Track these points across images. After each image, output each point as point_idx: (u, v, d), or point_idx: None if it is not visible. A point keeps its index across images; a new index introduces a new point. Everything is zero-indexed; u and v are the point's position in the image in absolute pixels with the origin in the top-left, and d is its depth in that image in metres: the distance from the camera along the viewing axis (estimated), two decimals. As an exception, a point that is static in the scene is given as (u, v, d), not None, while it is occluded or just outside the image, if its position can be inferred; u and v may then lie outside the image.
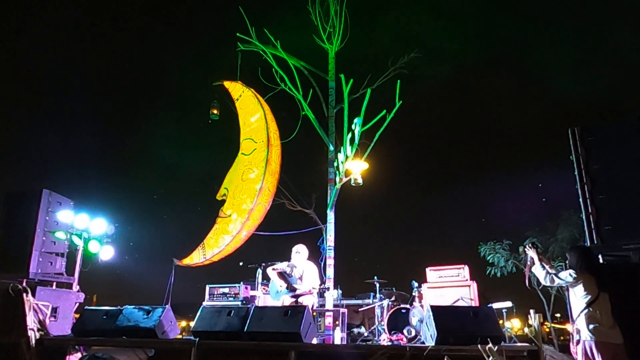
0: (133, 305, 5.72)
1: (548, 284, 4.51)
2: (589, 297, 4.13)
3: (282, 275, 6.97)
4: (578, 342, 4.16)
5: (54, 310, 6.24)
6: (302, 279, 6.97)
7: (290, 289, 6.84)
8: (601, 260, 4.71)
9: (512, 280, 14.77)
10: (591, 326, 4.04)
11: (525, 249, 4.73)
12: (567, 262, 4.50)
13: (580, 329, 4.14)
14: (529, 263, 4.69)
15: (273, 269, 7.12)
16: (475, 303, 7.18)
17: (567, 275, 4.28)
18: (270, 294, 7.21)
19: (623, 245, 4.69)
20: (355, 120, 8.65)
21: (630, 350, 4.02)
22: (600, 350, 3.96)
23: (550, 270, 4.47)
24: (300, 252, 7.18)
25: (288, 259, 7.28)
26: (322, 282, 7.72)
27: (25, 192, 6.86)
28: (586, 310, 4.11)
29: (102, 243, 7.22)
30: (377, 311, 7.61)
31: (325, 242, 8.73)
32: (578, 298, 4.21)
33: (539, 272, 4.51)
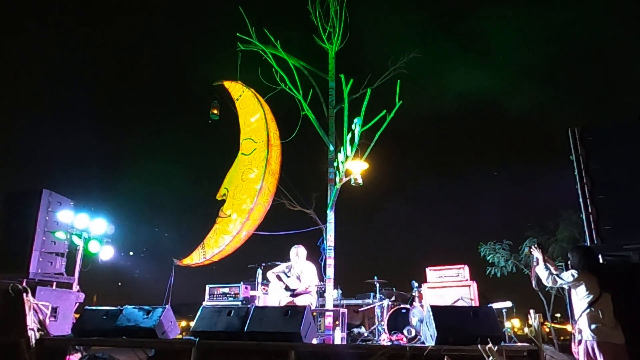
0: (133, 305, 5.72)
1: (550, 284, 4.50)
2: (591, 297, 4.12)
3: (280, 278, 7.06)
4: (580, 342, 4.15)
5: (54, 310, 6.24)
6: (300, 278, 7.01)
7: (287, 289, 6.91)
8: (601, 260, 4.71)
9: (512, 280, 14.78)
10: (593, 326, 4.04)
11: (532, 250, 4.72)
12: (569, 262, 4.49)
13: (582, 328, 4.13)
14: (534, 264, 4.67)
15: (272, 272, 7.20)
16: (475, 303, 7.18)
17: (569, 275, 4.27)
18: (270, 292, 7.26)
19: (623, 245, 4.69)
20: (355, 120, 8.64)
21: (631, 350, 4.02)
22: (602, 350, 3.96)
23: (553, 271, 4.46)
24: (299, 254, 7.25)
25: (288, 259, 7.31)
26: (322, 281, 7.74)
27: (25, 192, 6.85)
28: (588, 310, 4.10)
29: (102, 243, 7.22)
30: (377, 311, 7.61)
31: (325, 242, 8.73)
32: (580, 298, 4.21)
33: (542, 272, 4.50)
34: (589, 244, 4.86)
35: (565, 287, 4.44)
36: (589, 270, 4.26)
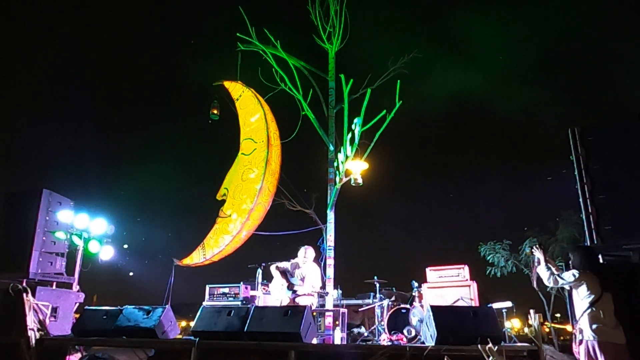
0: (133, 305, 5.72)
1: (552, 284, 4.47)
2: (592, 297, 4.10)
3: (285, 274, 7.01)
4: (581, 342, 4.14)
5: (54, 310, 6.24)
6: (304, 280, 7.01)
7: (290, 288, 6.88)
8: (601, 260, 4.70)
9: (512, 280, 14.79)
10: (594, 326, 4.02)
11: (533, 250, 4.70)
12: (570, 262, 4.47)
13: (583, 328, 4.12)
14: (536, 264, 4.65)
15: (277, 268, 7.15)
16: (475, 303, 7.17)
17: (570, 275, 4.26)
18: (272, 292, 7.23)
19: (623, 245, 4.69)
20: (355, 120, 8.65)
21: (632, 350, 4.01)
22: (603, 350, 3.94)
23: (554, 272, 4.44)
24: (307, 254, 7.22)
25: (288, 258, 7.30)
26: (323, 283, 7.73)
27: (25, 192, 6.86)
28: (589, 310, 4.09)
29: (102, 243, 7.22)
30: (377, 311, 7.61)
31: (325, 242, 8.74)
32: (581, 298, 4.19)
33: (543, 272, 4.48)
34: (589, 244, 4.85)
35: (567, 287, 4.43)
36: (590, 270, 4.25)
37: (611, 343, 3.96)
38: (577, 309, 4.24)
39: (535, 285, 4.84)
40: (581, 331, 4.14)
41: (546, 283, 4.51)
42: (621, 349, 3.96)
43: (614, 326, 4.02)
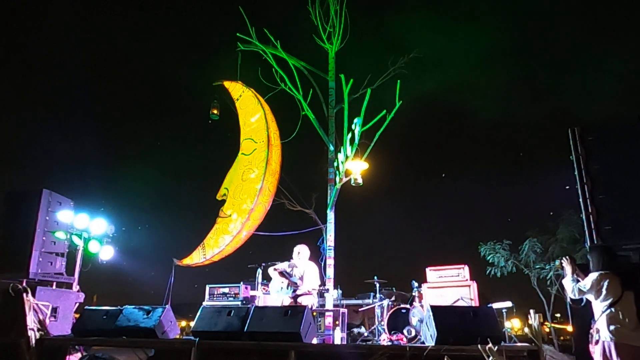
0: (133, 305, 5.72)
1: (576, 296, 4.35)
2: (611, 298, 4.03)
3: (283, 274, 7.01)
4: (597, 342, 4.08)
5: (54, 310, 6.23)
6: (303, 279, 7.00)
7: (291, 286, 6.89)
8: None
9: (512, 280, 14.80)
10: (612, 327, 3.96)
11: (563, 263, 4.58)
12: (589, 265, 4.39)
13: (600, 328, 4.06)
14: (564, 276, 4.58)
15: (274, 269, 7.15)
16: (475, 303, 7.18)
17: (589, 281, 4.17)
18: (271, 292, 7.23)
19: (623, 245, 4.67)
20: (355, 120, 8.66)
21: None
22: (620, 352, 3.89)
23: (579, 282, 4.31)
24: (301, 252, 7.22)
25: (288, 258, 7.31)
26: (322, 282, 7.73)
27: (25, 192, 6.85)
28: (608, 311, 4.02)
29: (102, 243, 7.22)
30: (377, 311, 7.61)
31: (325, 242, 8.74)
32: (600, 299, 4.11)
33: (568, 285, 4.39)
34: (588, 244, 4.84)
35: (593, 294, 4.19)
36: (610, 269, 4.16)
37: (628, 345, 3.89)
38: (596, 309, 4.16)
39: (570, 302, 4.64)
40: (598, 331, 4.08)
41: (570, 295, 4.39)
42: (639, 352, 3.89)
43: (633, 328, 3.94)
